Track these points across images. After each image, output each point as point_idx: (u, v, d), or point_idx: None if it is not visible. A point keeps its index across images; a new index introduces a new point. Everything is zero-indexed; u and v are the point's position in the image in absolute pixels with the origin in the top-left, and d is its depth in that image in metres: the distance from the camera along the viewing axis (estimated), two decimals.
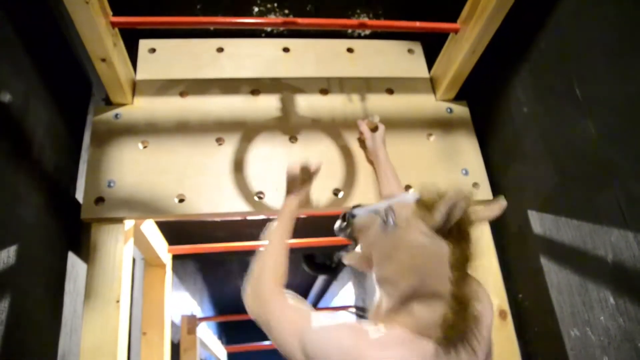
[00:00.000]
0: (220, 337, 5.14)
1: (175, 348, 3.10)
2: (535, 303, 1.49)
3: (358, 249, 1.12)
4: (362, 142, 1.62)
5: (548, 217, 1.40)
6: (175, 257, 2.37)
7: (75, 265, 1.48)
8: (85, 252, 1.47)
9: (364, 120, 1.61)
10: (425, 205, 0.90)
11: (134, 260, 2.11)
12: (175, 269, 3.22)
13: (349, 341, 0.89)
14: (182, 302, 3.48)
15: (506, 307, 1.54)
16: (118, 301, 1.37)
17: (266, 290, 1.11)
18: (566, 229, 1.33)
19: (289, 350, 0.98)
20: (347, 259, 1.16)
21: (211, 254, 2.77)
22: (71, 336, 1.42)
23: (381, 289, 0.99)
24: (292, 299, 1.08)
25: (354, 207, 1.13)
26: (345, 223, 1.13)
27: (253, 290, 1.14)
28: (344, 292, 4.02)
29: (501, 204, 0.99)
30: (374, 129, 1.58)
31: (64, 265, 1.42)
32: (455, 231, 0.86)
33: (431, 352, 0.86)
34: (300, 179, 1.34)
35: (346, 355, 0.86)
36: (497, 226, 1.64)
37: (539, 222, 1.44)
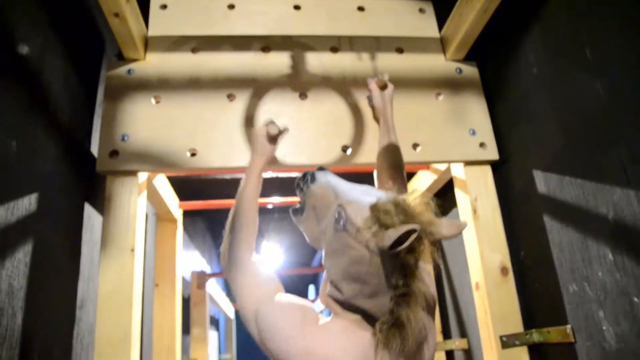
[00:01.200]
0: (228, 295, 5.27)
1: (186, 303, 3.20)
2: (536, 260, 1.53)
3: (305, 214, 1.15)
4: (370, 100, 1.64)
5: (552, 176, 1.43)
6: (186, 215, 2.42)
7: (91, 216, 1.53)
8: (101, 204, 1.53)
9: (374, 78, 1.62)
10: (378, 218, 0.92)
11: (147, 215, 2.17)
12: (185, 227, 3.29)
13: (296, 321, 0.96)
14: (192, 259, 3.56)
15: (508, 264, 1.58)
16: (133, 250, 1.42)
17: (236, 253, 1.15)
18: (570, 188, 1.35)
19: (245, 316, 1.05)
20: (297, 219, 1.21)
21: (220, 213, 2.82)
22: (89, 283, 1.48)
23: (328, 280, 1.04)
24: (260, 267, 1.13)
25: (320, 168, 1.13)
26: (304, 182, 1.14)
27: (224, 251, 1.19)
28: None
29: (462, 224, 0.99)
30: (383, 87, 1.59)
31: (81, 216, 1.48)
32: (403, 250, 0.87)
33: (369, 345, 0.93)
34: (268, 139, 1.37)
35: (290, 332, 0.94)
36: (503, 186, 1.67)
37: (544, 182, 1.47)
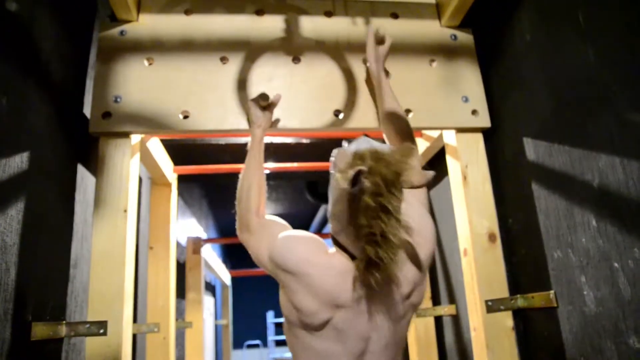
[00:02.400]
0: (224, 262, 5.33)
1: (182, 268, 3.24)
2: (524, 227, 1.55)
3: None
4: (365, 61, 1.63)
5: (542, 144, 1.44)
6: (182, 181, 2.44)
7: (84, 177, 1.54)
8: (94, 165, 1.54)
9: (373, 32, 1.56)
10: (352, 162, 1.04)
11: (141, 179, 2.19)
12: (182, 194, 3.32)
13: (308, 248, 1.13)
14: (188, 226, 3.60)
15: (496, 230, 1.61)
16: (125, 211, 1.44)
17: (248, 218, 1.30)
18: (558, 155, 1.36)
19: (261, 261, 1.22)
20: None
21: (216, 179, 2.84)
22: (82, 243, 1.51)
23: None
24: (271, 223, 1.29)
25: (365, 134, 1.21)
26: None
27: (239, 218, 1.32)
28: None
29: (428, 174, 1.07)
30: (381, 42, 1.56)
31: (74, 177, 1.49)
32: (370, 190, 0.99)
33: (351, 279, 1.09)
34: (261, 108, 1.45)
35: (301, 253, 1.12)
36: (494, 153, 1.68)
37: (533, 149, 1.48)
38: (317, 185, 4.42)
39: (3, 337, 1.05)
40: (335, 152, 1.13)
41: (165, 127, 1.51)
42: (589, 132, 1.24)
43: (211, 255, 3.97)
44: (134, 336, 2.02)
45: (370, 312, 1.10)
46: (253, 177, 1.34)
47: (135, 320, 2.02)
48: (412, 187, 1.06)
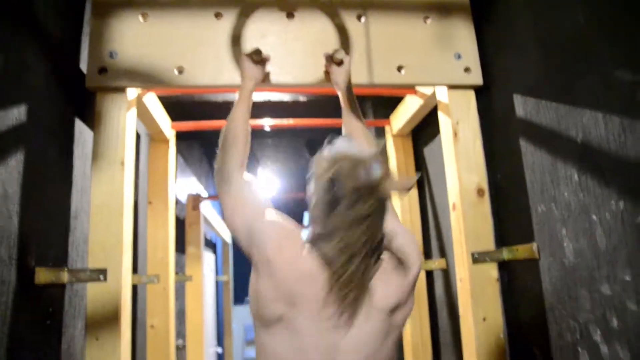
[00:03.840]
0: (224, 219, 5.41)
1: (181, 223, 3.31)
2: (511, 182, 1.59)
3: None
4: (327, 74, 1.60)
5: (531, 100, 1.46)
6: (182, 140, 2.46)
7: (83, 131, 1.58)
8: (92, 119, 1.57)
9: (331, 53, 1.54)
10: (334, 165, 0.99)
11: (139, 135, 2.22)
12: (182, 153, 3.35)
13: (282, 234, 1.09)
14: (188, 184, 3.64)
15: (485, 186, 1.65)
16: (122, 163, 1.49)
17: (228, 169, 1.25)
18: (545, 111, 1.39)
19: (234, 229, 1.18)
20: None
21: (216, 138, 2.85)
22: (82, 195, 1.56)
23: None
24: (250, 185, 1.24)
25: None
26: None
27: (218, 168, 1.27)
28: None
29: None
30: (339, 63, 1.53)
31: (72, 130, 1.52)
32: (347, 197, 0.96)
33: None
34: (254, 63, 1.45)
35: (276, 241, 1.06)
36: (485, 111, 1.71)
37: (522, 106, 1.51)
38: (315, 143, 4.43)
39: (9, 280, 1.11)
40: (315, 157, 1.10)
41: (161, 82, 1.53)
42: (576, 90, 1.27)
43: (211, 212, 4.03)
44: (135, 287, 2.09)
45: (339, 324, 1.01)
46: (239, 129, 1.31)
47: (135, 271, 2.10)
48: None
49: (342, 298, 1.00)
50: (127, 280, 1.45)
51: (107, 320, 1.39)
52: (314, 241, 1.05)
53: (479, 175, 1.65)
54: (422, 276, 2.31)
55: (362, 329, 1.03)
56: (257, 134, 3.63)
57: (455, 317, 2.04)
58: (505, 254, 1.58)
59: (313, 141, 4.31)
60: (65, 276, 1.38)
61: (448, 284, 2.12)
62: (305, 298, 1.01)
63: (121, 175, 1.48)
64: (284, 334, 1.02)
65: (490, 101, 1.70)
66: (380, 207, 0.99)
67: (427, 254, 2.32)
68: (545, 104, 1.39)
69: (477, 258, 1.58)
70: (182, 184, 3.40)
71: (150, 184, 2.20)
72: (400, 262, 1.10)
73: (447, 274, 2.12)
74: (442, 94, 1.74)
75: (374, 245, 1.01)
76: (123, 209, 1.45)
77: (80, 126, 1.57)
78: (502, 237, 1.64)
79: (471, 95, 1.71)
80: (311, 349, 1.01)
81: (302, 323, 1.01)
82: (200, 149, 4.31)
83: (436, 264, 2.20)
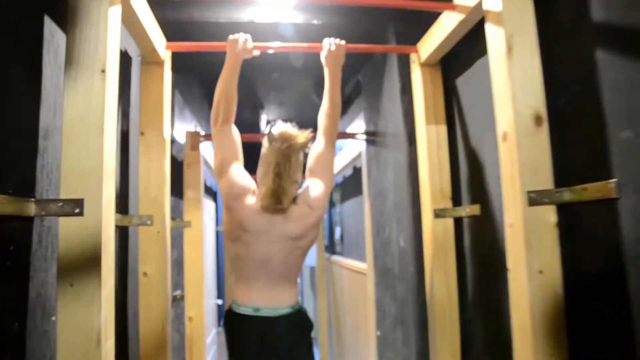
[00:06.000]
0: None
1: (179, 166, 3.05)
2: (579, 107, 1.30)
3: None
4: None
5: None
6: (179, 71, 2.16)
7: (54, 34, 1.28)
8: (65, 18, 1.26)
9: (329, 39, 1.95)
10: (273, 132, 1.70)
11: (130, 57, 1.91)
12: (181, 91, 3.05)
13: (239, 188, 1.79)
14: (187, 126, 3.36)
15: (543, 112, 1.36)
16: (104, 71, 1.19)
17: (218, 122, 1.86)
18: (638, 10, 1.08)
19: (214, 168, 1.87)
20: None
21: (216, 73, 2.55)
22: (55, 112, 1.27)
23: None
24: (230, 136, 1.85)
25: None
26: None
27: (212, 119, 1.88)
28: (359, 120, 3.85)
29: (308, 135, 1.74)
30: (336, 50, 1.93)
31: (40, 32, 1.22)
32: (279, 141, 1.68)
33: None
34: (241, 49, 1.85)
35: (235, 194, 1.78)
36: (546, 19, 1.40)
37: (604, 6, 1.20)
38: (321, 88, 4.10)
39: None
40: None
41: None
42: None
43: (212, 156, 3.75)
44: (125, 229, 1.83)
45: (267, 240, 1.76)
46: (227, 88, 1.84)
47: (126, 212, 1.83)
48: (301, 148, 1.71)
49: (271, 223, 1.76)
50: (109, 214, 1.18)
51: (84, 263, 1.13)
52: (258, 185, 1.78)
53: (537, 100, 1.35)
54: (450, 223, 2.04)
55: (280, 244, 1.76)
56: (262, 73, 3.29)
57: (489, 271, 1.78)
58: (567, 195, 1.30)
59: (322, 83, 4.00)
60: (31, 208, 1.11)
61: (482, 234, 1.85)
62: (251, 227, 1.75)
63: (102, 85, 1.18)
64: (241, 245, 1.77)
65: (552, 7, 1.39)
66: (284, 157, 1.68)
67: (456, 201, 2.05)
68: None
69: (534, 198, 1.30)
70: (181, 126, 3.11)
71: (142, 113, 1.91)
72: (310, 207, 1.80)
73: (481, 223, 1.86)
74: (492, 2, 1.43)
75: (286, 188, 1.71)
76: (104, 125, 1.17)
77: (51, 26, 1.26)
78: (563, 176, 1.35)
79: (529, 1, 1.40)
80: (255, 252, 1.76)
81: (250, 240, 1.75)
82: (200, 91, 3.98)
83: (467, 210, 1.93)
